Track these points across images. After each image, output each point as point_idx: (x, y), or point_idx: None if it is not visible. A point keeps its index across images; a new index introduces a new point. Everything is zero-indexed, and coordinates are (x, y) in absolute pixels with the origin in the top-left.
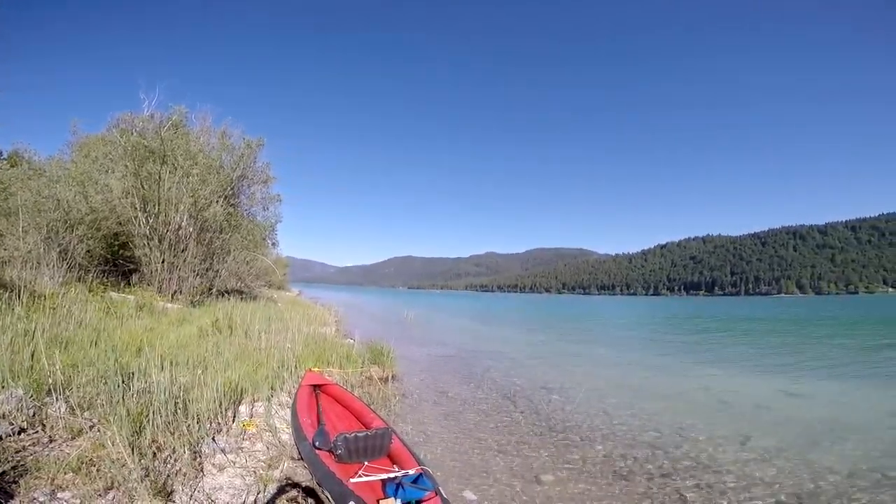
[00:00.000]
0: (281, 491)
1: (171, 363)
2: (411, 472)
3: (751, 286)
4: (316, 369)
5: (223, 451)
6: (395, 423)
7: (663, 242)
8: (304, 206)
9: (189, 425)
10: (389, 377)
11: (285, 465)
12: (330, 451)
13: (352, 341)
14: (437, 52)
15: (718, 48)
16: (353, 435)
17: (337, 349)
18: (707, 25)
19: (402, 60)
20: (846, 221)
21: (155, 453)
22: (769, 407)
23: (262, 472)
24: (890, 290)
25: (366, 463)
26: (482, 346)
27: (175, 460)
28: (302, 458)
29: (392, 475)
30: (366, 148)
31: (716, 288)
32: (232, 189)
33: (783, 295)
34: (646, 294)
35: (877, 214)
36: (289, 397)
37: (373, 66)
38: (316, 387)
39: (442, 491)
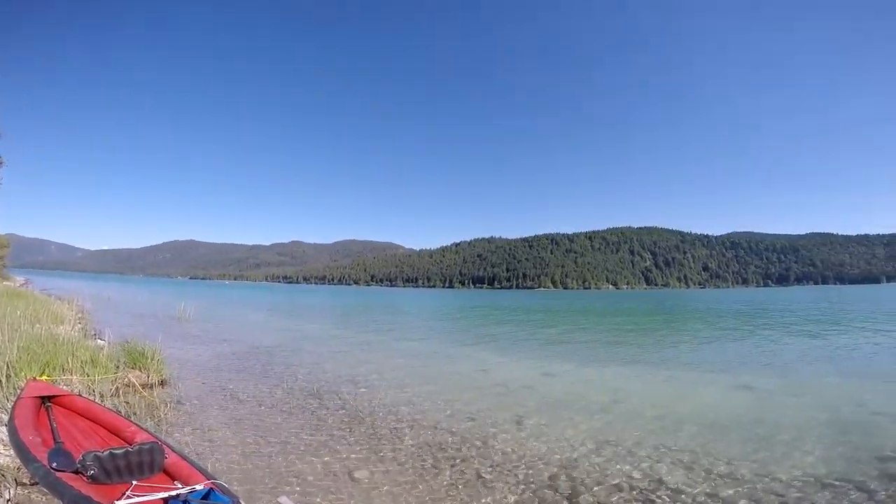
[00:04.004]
0: None
1: None
2: (199, 486)
3: (520, 281)
4: (44, 377)
5: None
6: (168, 434)
7: (458, 241)
8: (47, 175)
9: None
10: (156, 382)
11: (12, 491)
12: (78, 472)
13: (101, 342)
14: (243, 12)
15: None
16: (107, 452)
17: (78, 352)
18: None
19: (193, 27)
20: (586, 232)
21: None
22: (533, 387)
23: None
24: (610, 286)
25: (134, 482)
26: (282, 341)
27: None
28: (37, 483)
29: (174, 493)
30: (145, 112)
31: (495, 282)
32: None
33: (542, 289)
34: (443, 286)
35: (605, 228)
36: (4, 413)
37: (158, 22)
38: (45, 399)
39: (242, 503)
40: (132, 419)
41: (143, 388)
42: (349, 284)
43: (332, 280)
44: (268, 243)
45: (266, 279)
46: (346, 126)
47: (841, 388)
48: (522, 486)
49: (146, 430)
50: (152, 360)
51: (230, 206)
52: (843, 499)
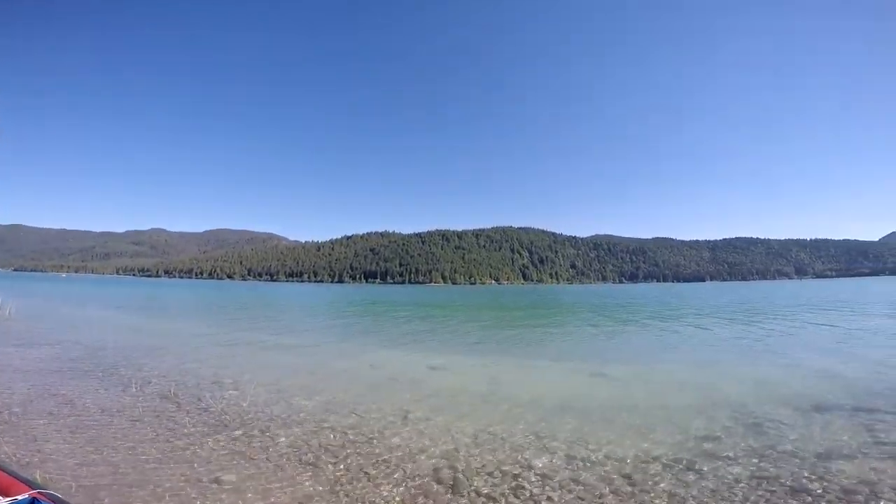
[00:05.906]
0: None
1: None
2: (22, 497)
3: (412, 276)
4: None
5: None
6: None
7: (349, 234)
8: None
9: None
10: None
11: None
12: None
13: None
14: None
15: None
16: None
17: None
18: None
19: None
20: (473, 230)
21: None
22: (421, 380)
23: None
24: (493, 282)
25: None
26: (131, 342)
27: None
28: None
29: None
30: None
31: (388, 277)
32: None
33: (433, 284)
34: (331, 281)
35: (490, 227)
36: None
37: None
38: None
39: None
40: None
41: None
42: (222, 279)
43: (202, 273)
44: (121, 230)
45: (117, 272)
46: (224, 105)
47: (682, 375)
48: (408, 480)
49: None
50: None
51: (71, 185)
52: (679, 478)
